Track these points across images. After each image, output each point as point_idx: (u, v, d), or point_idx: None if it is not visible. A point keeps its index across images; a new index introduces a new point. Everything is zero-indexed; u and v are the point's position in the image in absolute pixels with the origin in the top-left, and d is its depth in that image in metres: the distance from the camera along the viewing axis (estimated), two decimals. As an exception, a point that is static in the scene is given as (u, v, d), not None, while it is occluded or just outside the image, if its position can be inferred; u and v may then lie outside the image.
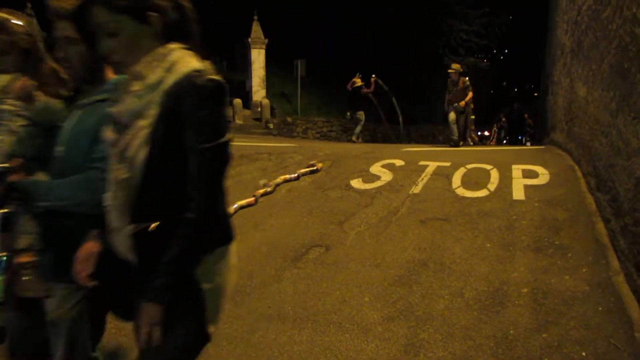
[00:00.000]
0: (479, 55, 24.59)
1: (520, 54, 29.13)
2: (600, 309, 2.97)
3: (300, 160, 7.03)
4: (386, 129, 16.78)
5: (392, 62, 20.90)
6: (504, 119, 21.40)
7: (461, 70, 10.11)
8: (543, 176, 5.61)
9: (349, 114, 13.16)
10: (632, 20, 3.56)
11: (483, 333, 2.85)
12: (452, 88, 9.98)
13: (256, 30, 16.29)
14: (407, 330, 2.94)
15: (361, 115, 12.51)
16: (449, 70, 10.05)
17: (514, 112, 17.81)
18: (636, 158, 3.19)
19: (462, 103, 9.81)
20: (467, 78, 10.07)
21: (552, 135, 8.94)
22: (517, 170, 5.91)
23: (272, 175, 6.26)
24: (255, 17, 16.23)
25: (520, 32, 25.61)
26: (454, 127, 9.81)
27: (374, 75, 12.91)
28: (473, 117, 12.60)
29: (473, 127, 13.63)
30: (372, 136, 17.18)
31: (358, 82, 12.37)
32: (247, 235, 4.49)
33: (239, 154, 7.28)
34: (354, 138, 12.74)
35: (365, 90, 12.45)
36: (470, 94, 9.94)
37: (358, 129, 12.65)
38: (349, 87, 12.45)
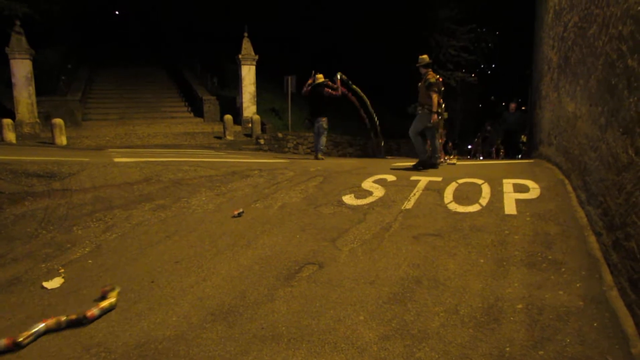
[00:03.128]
0: (467, 70, 24.94)
1: (507, 68, 29.62)
2: (595, 324, 2.96)
3: (291, 177, 7.02)
4: (378, 142, 15.83)
5: (382, 78, 21.12)
6: (489, 128, 20.92)
7: (428, 61, 7.82)
8: (534, 190, 5.65)
9: (307, 121, 10.52)
10: (619, 37, 3.62)
11: (479, 351, 2.82)
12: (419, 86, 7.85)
13: (246, 47, 16.39)
14: (403, 349, 2.90)
15: (324, 122, 10.16)
16: (417, 64, 7.90)
17: (511, 116, 13.56)
18: (626, 173, 3.22)
19: (435, 118, 7.55)
20: (438, 77, 7.84)
21: (541, 148, 9.03)
22: (508, 184, 5.95)
23: (263, 192, 6.24)
24: (246, 34, 16.33)
25: (508, 47, 26.09)
26: (416, 143, 7.85)
27: (339, 74, 10.74)
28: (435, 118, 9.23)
29: (442, 140, 10.23)
30: (362, 150, 17.24)
31: (320, 77, 9.98)
32: (239, 254, 4.44)
33: (230, 171, 7.26)
34: (320, 155, 10.36)
35: (329, 91, 10.00)
36: (435, 97, 7.48)
37: (323, 140, 10.33)
38: (306, 88, 10.09)
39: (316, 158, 10.40)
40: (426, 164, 7.85)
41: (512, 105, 13.72)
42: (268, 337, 3.13)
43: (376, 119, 14.90)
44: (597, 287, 3.40)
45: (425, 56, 7.91)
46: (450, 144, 21.90)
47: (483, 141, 20.59)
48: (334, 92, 10.10)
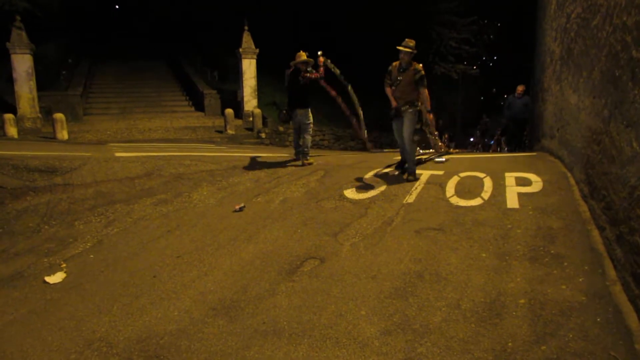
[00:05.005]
0: (469, 63, 24.80)
1: (509, 60, 29.46)
2: (598, 319, 2.95)
3: (292, 171, 7.00)
4: (359, 135, 13.16)
5: (382, 71, 21.00)
6: (487, 120, 20.59)
7: (415, 51, 6.26)
8: (536, 184, 5.62)
9: (284, 112, 7.82)
10: (623, 28, 3.58)
11: (481, 346, 2.81)
12: (396, 76, 6.39)
13: (247, 40, 16.30)
14: (404, 345, 2.89)
15: (305, 115, 7.57)
16: (399, 47, 6.26)
17: (518, 101, 11.64)
18: (630, 166, 3.19)
19: (431, 116, 6.62)
20: (421, 65, 6.39)
21: (543, 141, 8.99)
22: (510, 178, 5.92)
23: (264, 186, 6.22)
24: (246, 28, 16.24)
25: (510, 39, 25.91)
26: (408, 147, 6.36)
27: (320, 53, 8.05)
28: (430, 117, 7.25)
29: (436, 134, 8.88)
30: (364, 144, 17.16)
31: (303, 55, 7.56)
32: (241, 249, 4.43)
33: (231, 165, 7.24)
34: (306, 160, 7.57)
35: (305, 75, 7.47)
36: (425, 91, 6.28)
37: (308, 140, 7.65)
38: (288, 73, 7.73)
39: (302, 164, 7.61)
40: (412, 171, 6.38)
41: (520, 88, 11.60)
42: (269, 332, 3.12)
43: (360, 111, 12.21)
44: (600, 281, 3.38)
45: (413, 42, 6.30)
46: (446, 135, 21.64)
47: (483, 133, 20.46)
48: (312, 76, 7.57)
